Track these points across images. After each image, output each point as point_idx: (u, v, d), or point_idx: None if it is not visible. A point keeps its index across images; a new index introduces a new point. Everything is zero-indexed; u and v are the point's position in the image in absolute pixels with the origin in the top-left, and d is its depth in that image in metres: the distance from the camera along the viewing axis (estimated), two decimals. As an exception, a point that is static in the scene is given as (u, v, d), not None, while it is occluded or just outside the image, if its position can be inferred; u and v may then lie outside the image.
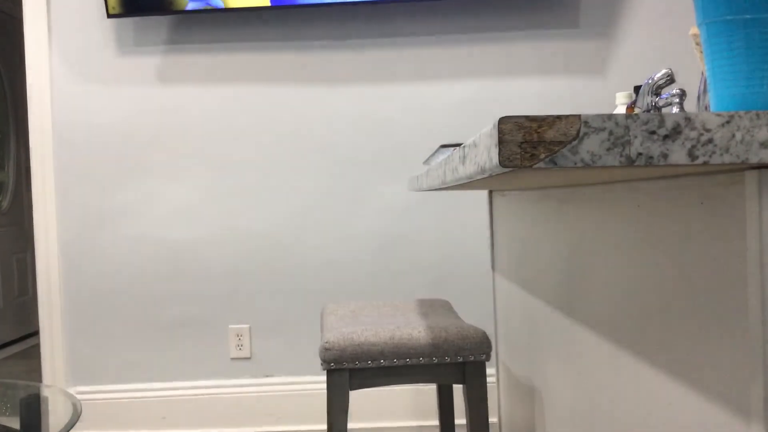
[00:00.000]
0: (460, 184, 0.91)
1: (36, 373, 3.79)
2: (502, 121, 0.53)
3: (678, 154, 0.53)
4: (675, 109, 1.29)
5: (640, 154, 0.53)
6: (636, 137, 0.53)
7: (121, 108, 2.66)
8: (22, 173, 4.90)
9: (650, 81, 1.33)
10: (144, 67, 2.66)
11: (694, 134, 0.53)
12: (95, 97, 2.66)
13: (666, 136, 0.53)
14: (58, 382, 2.67)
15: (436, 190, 1.26)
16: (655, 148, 0.53)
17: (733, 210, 0.62)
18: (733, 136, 0.53)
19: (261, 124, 2.67)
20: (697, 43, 1.10)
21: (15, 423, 1.37)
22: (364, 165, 2.67)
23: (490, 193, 1.92)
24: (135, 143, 2.66)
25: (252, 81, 2.67)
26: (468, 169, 0.69)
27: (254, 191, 2.68)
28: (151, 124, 2.66)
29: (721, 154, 0.53)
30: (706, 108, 1.17)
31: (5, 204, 4.66)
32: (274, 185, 2.67)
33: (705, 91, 1.18)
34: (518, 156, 0.53)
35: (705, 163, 0.53)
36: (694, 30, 1.16)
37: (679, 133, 0.53)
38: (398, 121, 2.66)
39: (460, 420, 2.63)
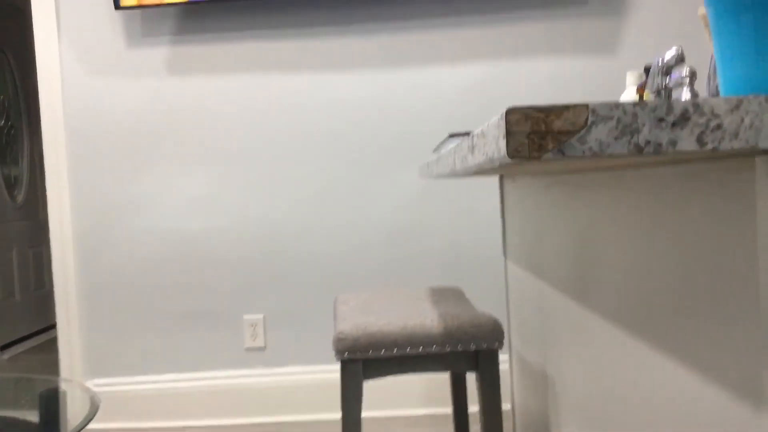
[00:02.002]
0: (470, 172, 0.91)
1: (53, 365, 3.83)
2: (510, 111, 0.53)
3: (687, 141, 0.53)
4: (685, 90, 1.28)
5: (648, 141, 0.53)
6: (644, 125, 0.52)
7: (132, 100, 2.67)
8: (36, 167, 4.94)
9: (660, 61, 1.32)
10: (153, 58, 2.67)
11: (702, 120, 0.53)
12: (106, 90, 2.67)
13: (674, 123, 0.53)
14: (75, 374, 2.70)
15: (446, 177, 1.26)
16: (664, 136, 0.53)
17: (743, 195, 0.61)
18: (742, 121, 0.53)
19: (271, 112, 2.67)
20: (706, 24, 1.09)
21: (34, 417, 1.40)
22: (375, 152, 2.67)
23: (501, 178, 1.91)
24: (146, 135, 2.67)
25: (260, 70, 2.67)
26: (477, 159, 0.68)
27: (265, 181, 2.68)
28: (162, 115, 2.66)
29: (731, 140, 0.53)
30: (716, 89, 1.16)
31: (20, 198, 4.71)
32: (285, 175, 2.68)
33: (715, 72, 1.16)
34: (526, 147, 0.53)
35: (714, 150, 0.53)
36: (703, 11, 1.14)
37: (688, 119, 0.53)
38: (408, 106, 2.65)
39: (474, 407, 2.64)
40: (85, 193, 2.68)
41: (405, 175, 2.68)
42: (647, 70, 1.52)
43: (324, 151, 2.67)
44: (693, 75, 1.28)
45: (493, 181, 2.69)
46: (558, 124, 0.52)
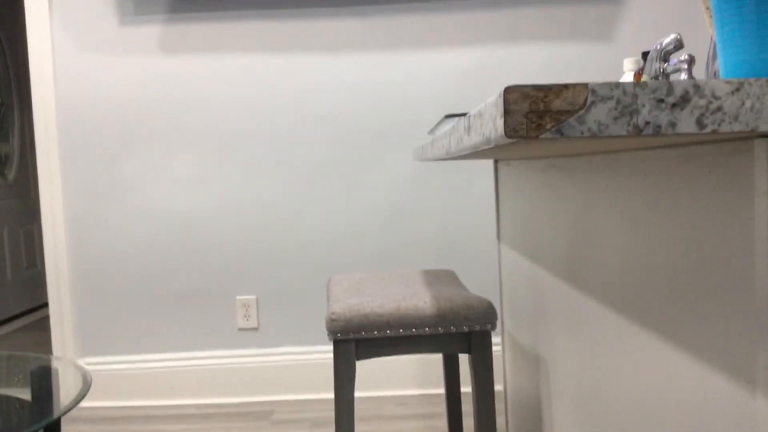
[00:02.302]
0: (465, 154, 0.91)
1: (46, 344, 3.83)
2: (508, 90, 0.52)
3: (686, 123, 0.52)
4: (683, 76, 1.27)
5: (648, 123, 0.52)
6: (644, 106, 0.52)
7: (124, 78, 2.64)
8: (26, 145, 4.90)
9: (658, 47, 1.31)
10: (145, 36, 2.64)
11: (702, 102, 0.52)
12: (98, 68, 2.64)
13: (674, 105, 0.52)
14: (68, 353, 2.70)
15: (441, 160, 1.26)
16: (663, 117, 0.52)
17: (741, 179, 0.61)
18: (743, 103, 0.52)
19: (264, 93, 2.65)
20: (707, 8, 1.08)
21: (26, 394, 1.39)
22: (370, 135, 2.66)
23: (496, 162, 1.91)
24: (139, 114, 2.65)
25: (254, 50, 2.64)
26: (473, 140, 0.68)
27: (259, 163, 2.67)
28: (155, 94, 2.64)
29: (730, 123, 0.52)
30: (715, 74, 1.16)
31: (11, 176, 4.67)
32: (278, 156, 2.67)
33: (714, 56, 1.16)
34: (524, 126, 0.52)
35: (714, 132, 0.52)
36: (704, -6, 1.14)
37: (688, 101, 0.52)
38: (403, 89, 2.64)
39: (466, 388, 2.66)
40: (76, 172, 2.66)
41: (400, 158, 2.67)
42: (645, 55, 1.51)
43: (318, 134, 2.66)
44: (691, 60, 1.27)
45: (488, 165, 2.69)
46: (557, 104, 0.52)
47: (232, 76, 2.65)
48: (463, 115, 1.07)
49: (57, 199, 2.66)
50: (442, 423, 2.39)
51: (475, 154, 0.97)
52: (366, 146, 2.66)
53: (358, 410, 2.54)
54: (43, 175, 2.65)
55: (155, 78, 2.64)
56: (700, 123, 0.52)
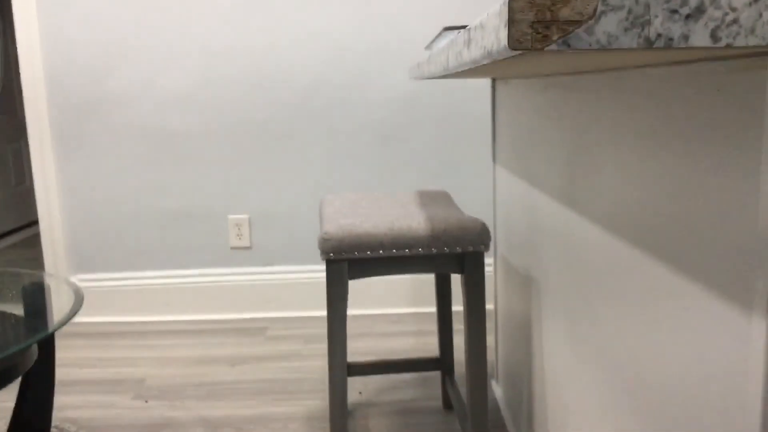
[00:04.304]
0: (463, 71, 0.87)
1: (38, 261, 3.85)
2: (513, -2, 0.49)
3: (700, 36, 0.49)
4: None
5: (659, 35, 0.49)
6: (656, 17, 0.49)
7: (108, -10, 2.53)
8: (11, 62, 4.76)
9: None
10: (129, -56, 2.51)
11: (718, 14, 0.49)
12: (80, -22, 2.53)
13: (689, 16, 0.49)
14: (60, 270, 2.71)
15: (438, 78, 1.22)
16: (676, 29, 0.49)
17: (751, 97, 0.59)
18: (761, 15, 0.50)
19: (255, 7, 2.56)
20: None
21: (19, 310, 1.40)
22: (363, 52, 2.58)
23: (494, 81, 1.86)
24: (123, 28, 2.56)
25: (244, -39, 2.53)
26: (473, 54, 0.65)
27: (249, 78, 2.60)
28: (140, 7, 2.54)
29: (746, 36, 0.50)
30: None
31: (-4, 92, 4.57)
32: (269, 72, 2.60)
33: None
34: (529, 37, 0.49)
35: (728, 46, 0.49)
36: None
37: (703, 12, 0.49)
38: (400, 3, 2.55)
39: (458, 307, 2.70)
40: (62, 87, 2.60)
41: (395, 76, 2.61)
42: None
43: (311, 52, 2.59)
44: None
45: (485, 83, 2.64)
46: (565, 13, 0.49)
47: (221, -13, 2.54)
48: (463, 27, 1.03)
49: (43, 115, 2.60)
50: (434, 340, 2.44)
51: (474, 71, 0.94)
52: (360, 64, 2.59)
53: (351, 327, 2.59)
54: (28, 91, 2.58)
55: (141, -11, 2.53)
56: (714, 36, 0.49)
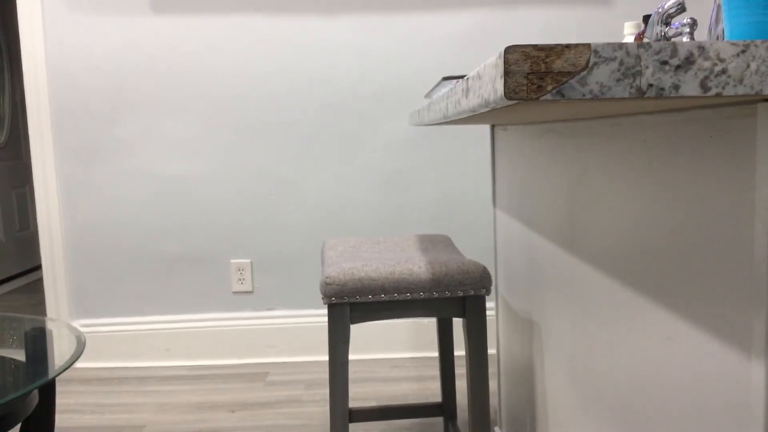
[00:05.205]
0: (462, 118, 0.89)
1: (40, 306, 3.84)
2: (509, 50, 0.51)
3: (690, 86, 0.51)
4: (686, 39, 1.25)
5: (651, 85, 0.51)
6: (647, 67, 0.51)
7: (115, 38, 2.59)
8: (18, 106, 4.84)
9: (660, 10, 1.29)
10: (137, -4, 2.58)
11: (707, 64, 0.51)
12: (88, 27, 2.59)
13: (678, 67, 0.51)
14: (62, 315, 2.71)
15: (437, 124, 1.24)
16: (667, 79, 0.51)
17: (743, 143, 0.60)
18: (748, 66, 0.51)
19: (258, 55, 2.61)
20: (711, -30, 1.06)
21: (20, 356, 1.39)
22: (365, 98, 2.63)
23: (493, 127, 1.89)
24: (130, 75, 2.61)
25: (248, 11, 2.60)
26: (471, 102, 0.66)
27: (253, 125, 2.64)
28: (146, 54, 2.60)
29: (735, 86, 0.51)
30: (718, 38, 1.14)
31: (2, 138, 4.62)
32: (272, 119, 2.64)
33: (718, 20, 1.14)
34: (524, 87, 0.51)
35: (718, 95, 0.51)
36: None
37: (692, 63, 0.51)
38: (400, 52, 2.60)
39: (460, 351, 2.68)
40: (67, 134, 2.64)
41: (396, 122, 2.64)
42: (646, 19, 1.49)
43: (313, 97, 2.63)
44: (694, 24, 1.25)
45: (484, 129, 2.67)
46: (558, 64, 0.51)
47: (224, 37, 2.60)
48: (462, 77, 1.05)
49: (48, 161, 2.63)
50: (436, 385, 2.41)
51: (473, 118, 0.96)
52: (361, 110, 2.63)
53: (352, 372, 2.56)
54: (34, 137, 2.62)
55: (146, 38, 2.59)
56: (704, 86, 0.51)
